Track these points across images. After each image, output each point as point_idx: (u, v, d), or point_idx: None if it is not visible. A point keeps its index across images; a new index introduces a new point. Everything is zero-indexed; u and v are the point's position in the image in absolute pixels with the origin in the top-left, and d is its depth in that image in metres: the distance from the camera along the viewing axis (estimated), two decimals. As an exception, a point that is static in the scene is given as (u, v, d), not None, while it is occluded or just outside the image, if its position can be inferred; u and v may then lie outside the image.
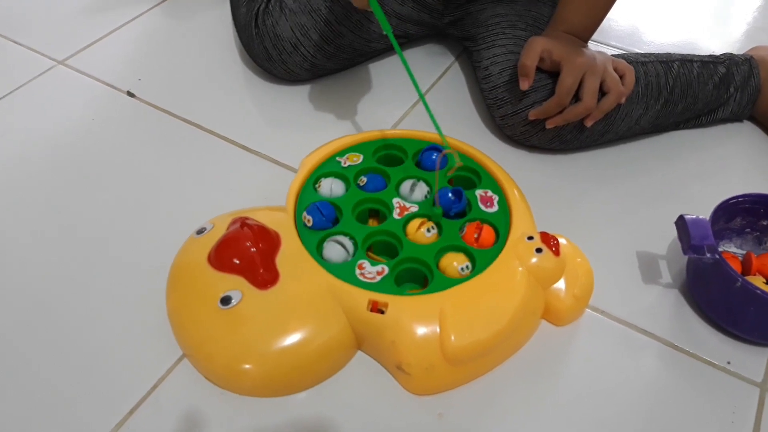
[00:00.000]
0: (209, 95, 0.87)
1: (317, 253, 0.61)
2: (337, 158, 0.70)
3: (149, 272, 0.64)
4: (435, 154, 0.68)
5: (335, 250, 0.61)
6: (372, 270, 0.59)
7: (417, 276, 0.61)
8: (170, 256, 0.63)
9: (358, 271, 0.59)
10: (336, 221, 0.64)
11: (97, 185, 0.75)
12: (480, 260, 0.60)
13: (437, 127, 0.65)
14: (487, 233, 0.62)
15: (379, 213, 0.66)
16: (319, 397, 0.57)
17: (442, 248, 0.61)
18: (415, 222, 0.63)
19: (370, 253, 0.63)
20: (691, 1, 1.09)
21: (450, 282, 0.58)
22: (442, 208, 0.63)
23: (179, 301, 0.59)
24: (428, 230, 0.62)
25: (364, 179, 0.67)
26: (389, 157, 0.71)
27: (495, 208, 0.64)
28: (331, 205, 0.64)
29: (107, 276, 0.66)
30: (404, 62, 0.65)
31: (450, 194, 0.63)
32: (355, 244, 0.61)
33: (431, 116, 0.65)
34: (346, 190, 0.67)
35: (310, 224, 0.63)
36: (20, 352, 0.60)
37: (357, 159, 0.69)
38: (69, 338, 0.61)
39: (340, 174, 0.68)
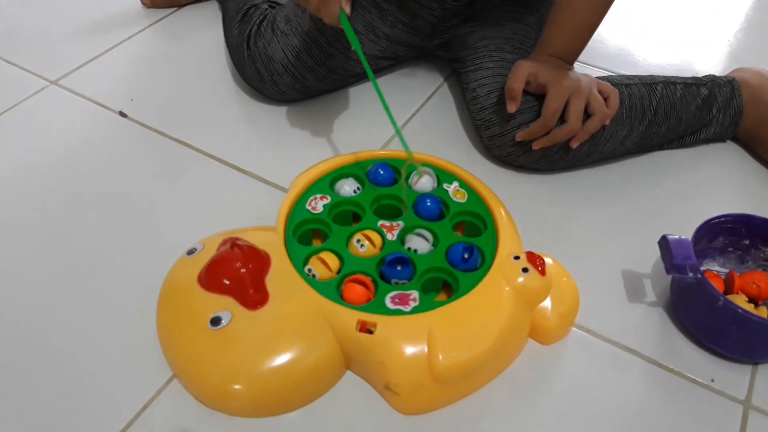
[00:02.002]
0: (201, 116, 0.88)
1: (305, 272, 0.62)
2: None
3: (140, 292, 0.65)
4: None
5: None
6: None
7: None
8: (161, 277, 0.63)
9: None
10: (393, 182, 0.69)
11: (88, 205, 0.75)
12: (466, 281, 0.60)
13: (402, 141, 0.68)
14: (359, 291, 0.60)
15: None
16: (309, 417, 0.57)
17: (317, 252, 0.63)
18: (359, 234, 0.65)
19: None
20: (675, 24, 1.11)
21: (437, 302, 0.59)
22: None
23: (169, 322, 0.59)
24: (358, 241, 0.64)
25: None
26: None
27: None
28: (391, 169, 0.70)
29: (98, 296, 0.66)
30: (372, 78, 0.67)
31: (398, 265, 0.61)
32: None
33: (395, 127, 0.68)
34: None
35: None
36: (11, 373, 0.60)
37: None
38: (59, 359, 0.61)
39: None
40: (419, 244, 0.64)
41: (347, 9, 0.65)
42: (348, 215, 0.68)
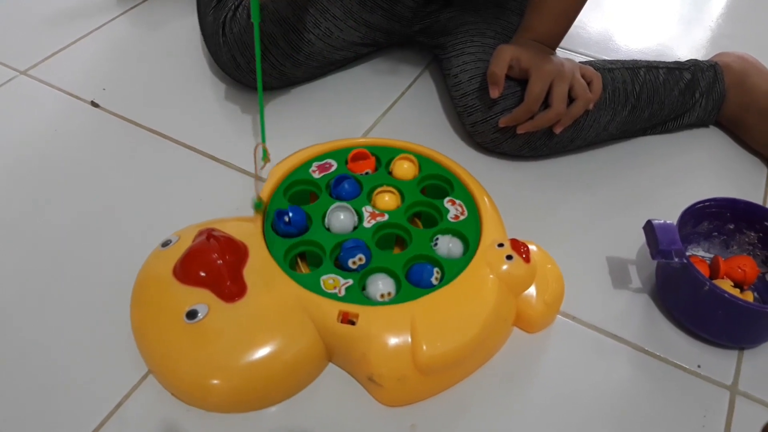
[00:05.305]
0: (176, 105, 0.85)
1: (285, 263, 0.60)
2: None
3: (113, 286, 0.63)
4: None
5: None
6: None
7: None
8: (135, 270, 0.61)
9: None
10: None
11: (59, 197, 0.73)
12: (450, 269, 0.59)
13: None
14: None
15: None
16: (290, 412, 0.56)
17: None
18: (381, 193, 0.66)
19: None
20: (657, 9, 1.11)
21: (421, 291, 0.57)
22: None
23: (144, 316, 0.57)
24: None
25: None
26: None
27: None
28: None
29: (70, 291, 0.64)
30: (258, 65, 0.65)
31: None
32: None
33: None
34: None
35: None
36: (-22, 372, 0.58)
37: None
38: (30, 355, 0.59)
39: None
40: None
41: None
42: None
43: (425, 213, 0.66)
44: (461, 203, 0.65)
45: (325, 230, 0.63)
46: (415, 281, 0.59)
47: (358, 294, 0.57)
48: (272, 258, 0.59)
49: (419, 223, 0.66)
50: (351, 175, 0.68)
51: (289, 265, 0.60)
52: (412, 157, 0.69)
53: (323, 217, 0.63)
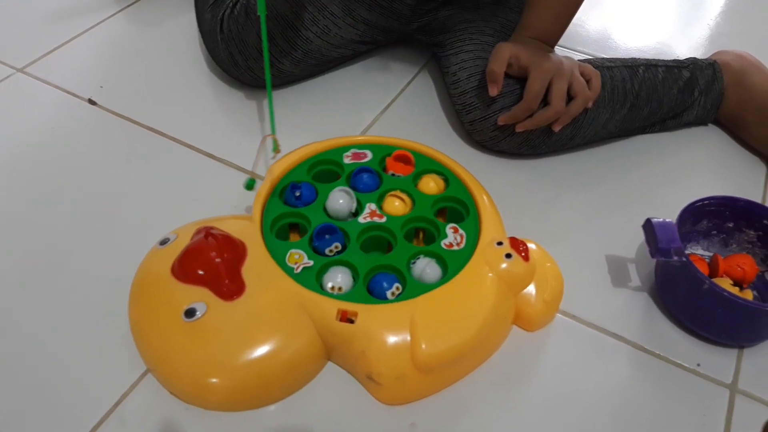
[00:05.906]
0: (174, 102, 0.85)
1: (272, 232, 0.61)
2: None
3: (111, 285, 0.63)
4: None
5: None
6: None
7: None
8: (133, 268, 0.61)
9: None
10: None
11: (57, 196, 0.72)
12: (412, 289, 0.58)
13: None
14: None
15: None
16: (289, 410, 0.56)
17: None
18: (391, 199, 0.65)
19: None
20: (656, 7, 1.11)
21: (420, 290, 0.57)
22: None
23: (142, 314, 0.57)
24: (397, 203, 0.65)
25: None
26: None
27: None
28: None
29: (68, 289, 0.64)
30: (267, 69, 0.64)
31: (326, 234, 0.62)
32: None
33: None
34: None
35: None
36: (-25, 371, 0.57)
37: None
38: (28, 353, 0.59)
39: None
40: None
41: None
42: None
43: (428, 231, 0.64)
44: (464, 234, 0.62)
45: (322, 210, 0.64)
46: (370, 288, 0.58)
47: (312, 278, 0.57)
48: (270, 256, 0.59)
49: (421, 239, 0.65)
50: (377, 170, 0.68)
51: (278, 233, 0.62)
52: (439, 179, 0.68)
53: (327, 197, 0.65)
